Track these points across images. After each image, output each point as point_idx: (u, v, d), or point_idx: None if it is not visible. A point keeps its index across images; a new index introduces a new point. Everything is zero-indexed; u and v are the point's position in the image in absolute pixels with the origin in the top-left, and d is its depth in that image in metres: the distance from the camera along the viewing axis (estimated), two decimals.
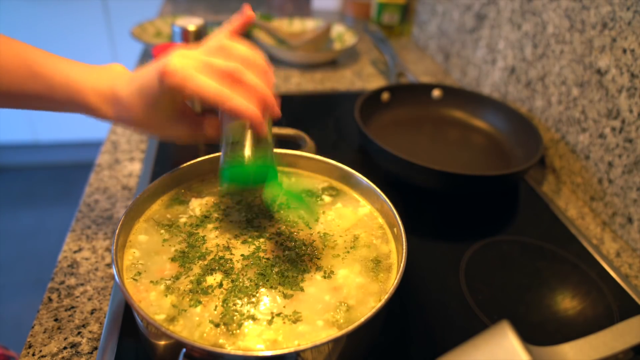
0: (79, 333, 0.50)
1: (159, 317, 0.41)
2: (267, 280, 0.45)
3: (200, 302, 0.43)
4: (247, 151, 0.46)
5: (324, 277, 0.46)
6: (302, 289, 0.45)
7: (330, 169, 0.59)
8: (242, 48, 0.46)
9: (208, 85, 0.42)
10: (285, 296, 0.44)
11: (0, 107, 0.50)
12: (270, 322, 0.41)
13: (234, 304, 0.43)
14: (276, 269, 0.46)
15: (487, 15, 1.02)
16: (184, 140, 0.52)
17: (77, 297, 0.54)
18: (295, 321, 0.42)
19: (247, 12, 0.50)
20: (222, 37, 0.47)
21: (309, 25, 1.32)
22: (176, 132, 0.50)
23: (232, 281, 0.45)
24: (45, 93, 0.47)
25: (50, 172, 2.29)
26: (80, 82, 0.47)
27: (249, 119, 0.44)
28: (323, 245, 0.50)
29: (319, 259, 0.48)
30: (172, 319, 0.41)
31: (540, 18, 0.84)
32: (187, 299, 0.43)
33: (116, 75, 0.48)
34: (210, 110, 0.51)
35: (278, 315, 0.42)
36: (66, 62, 0.48)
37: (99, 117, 0.49)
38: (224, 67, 0.43)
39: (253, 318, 0.42)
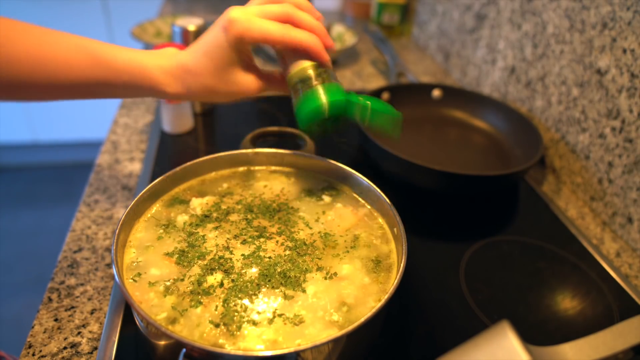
0: (79, 333, 0.50)
1: (159, 317, 0.41)
2: (270, 281, 0.45)
3: (201, 303, 0.43)
4: (314, 77, 0.49)
5: (325, 277, 0.46)
6: (304, 290, 0.45)
7: (330, 169, 0.59)
8: None
9: (270, 26, 0.47)
10: (286, 297, 0.44)
11: (63, 99, 0.52)
12: (270, 322, 0.41)
13: (235, 304, 0.43)
14: (279, 269, 0.46)
15: (487, 15, 1.02)
16: (252, 94, 0.54)
17: (77, 297, 0.54)
18: (295, 321, 0.42)
19: None
20: None
21: None
22: (244, 87, 0.52)
23: (233, 280, 0.45)
24: (109, 79, 0.49)
25: (50, 172, 2.29)
26: (144, 63, 0.49)
27: (312, 48, 0.48)
28: (323, 245, 0.50)
29: (319, 259, 0.48)
30: (172, 319, 0.41)
31: (540, 18, 0.84)
32: (188, 300, 0.43)
33: (175, 52, 0.51)
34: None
35: (279, 316, 0.42)
36: (126, 48, 0.50)
37: (167, 95, 0.51)
38: (278, 10, 0.48)
39: (253, 319, 0.42)
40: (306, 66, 0.49)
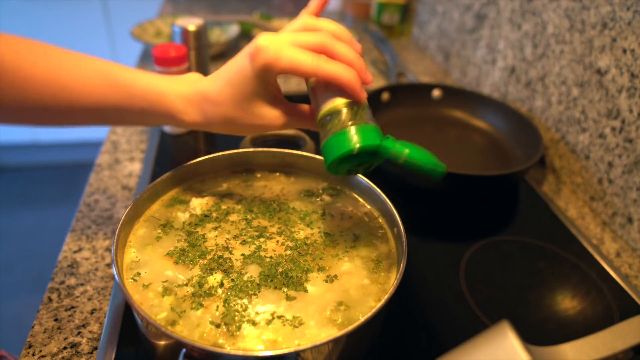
0: (79, 333, 0.50)
1: (159, 317, 0.41)
2: (272, 281, 0.45)
3: (202, 305, 0.42)
4: (347, 116, 0.43)
5: (325, 277, 0.46)
6: (305, 290, 0.45)
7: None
8: (327, 22, 0.45)
9: (301, 56, 0.42)
10: (288, 297, 0.44)
11: (78, 125, 0.49)
12: (270, 322, 0.41)
13: (235, 304, 0.43)
14: (280, 269, 0.46)
15: (487, 15, 1.02)
16: (277, 129, 0.49)
17: (77, 297, 0.54)
18: (295, 323, 0.42)
19: None
20: (303, 17, 0.46)
21: None
22: (268, 121, 0.48)
23: (232, 280, 0.45)
24: (126, 104, 0.47)
25: (50, 172, 2.29)
26: (162, 88, 0.47)
27: (347, 83, 0.43)
28: (324, 245, 0.50)
29: (321, 259, 0.48)
30: (172, 319, 0.41)
31: (540, 18, 0.84)
32: (189, 302, 0.43)
33: (196, 79, 0.48)
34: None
35: (279, 317, 0.42)
36: (145, 73, 0.48)
37: (184, 123, 0.48)
38: (313, 39, 0.43)
39: (254, 319, 0.42)
40: (339, 104, 0.44)
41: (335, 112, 0.44)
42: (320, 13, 0.49)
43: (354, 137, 0.42)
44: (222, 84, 0.46)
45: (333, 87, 0.44)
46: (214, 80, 0.47)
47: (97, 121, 0.49)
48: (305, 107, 0.49)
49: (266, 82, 0.45)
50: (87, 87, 0.46)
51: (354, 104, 0.44)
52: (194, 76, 0.49)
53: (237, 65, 0.45)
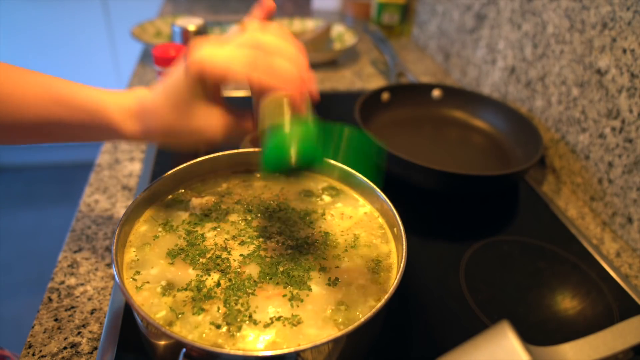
0: (79, 333, 0.50)
1: (159, 317, 0.41)
2: (271, 279, 0.45)
3: (203, 310, 0.42)
4: (285, 128, 0.42)
5: (325, 277, 0.46)
6: (309, 289, 0.45)
7: (330, 169, 0.59)
8: (272, 25, 0.44)
9: (234, 58, 0.41)
10: (292, 297, 0.44)
11: (23, 141, 0.49)
12: (270, 321, 0.41)
13: (235, 303, 0.43)
14: (281, 269, 0.46)
15: (487, 15, 1.02)
16: (218, 135, 0.48)
17: (77, 297, 0.54)
18: (294, 321, 0.42)
19: (267, 3, 0.49)
20: (249, 22, 0.45)
21: (309, 25, 1.32)
22: (208, 127, 0.47)
23: (230, 280, 0.45)
24: (67, 117, 0.46)
25: (50, 172, 2.29)
26: (103, 100, 0.46)
27: (283, 90, 0.42)
28: (324, 245, 0.50)
29: (324, 258, 0.48)
30: (172, 319, 0.41)
31: (540, 18, 0.84)
32: (190, 306, 0.43)
33: (141, 93, 0.48)
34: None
35: (279, 317, 0.42)
36: (89, 87, 0.48)
37: (123, 136, 0.47)
38: (250, 40, 0.42)
39: (254, 319, 0.42)
40: (278, 114, 0.42)
41: (273, 120, 0.43)
42: (270, 16, 0.49)
43: (285, 158, 0.41)
44: (160, 91, 0.45)
45: (271, 96, 0.43)
46: (153, 90, 0.46)
47: (41, 137, 0.48)
48: (249, 115, 0.49)
49: (203, 88, 0.44)
50: (29, 101, 0.45)
51: (293, 113, 0.43)
52: (141, 91, 0.48)
53: (175, 72, 0.44)
